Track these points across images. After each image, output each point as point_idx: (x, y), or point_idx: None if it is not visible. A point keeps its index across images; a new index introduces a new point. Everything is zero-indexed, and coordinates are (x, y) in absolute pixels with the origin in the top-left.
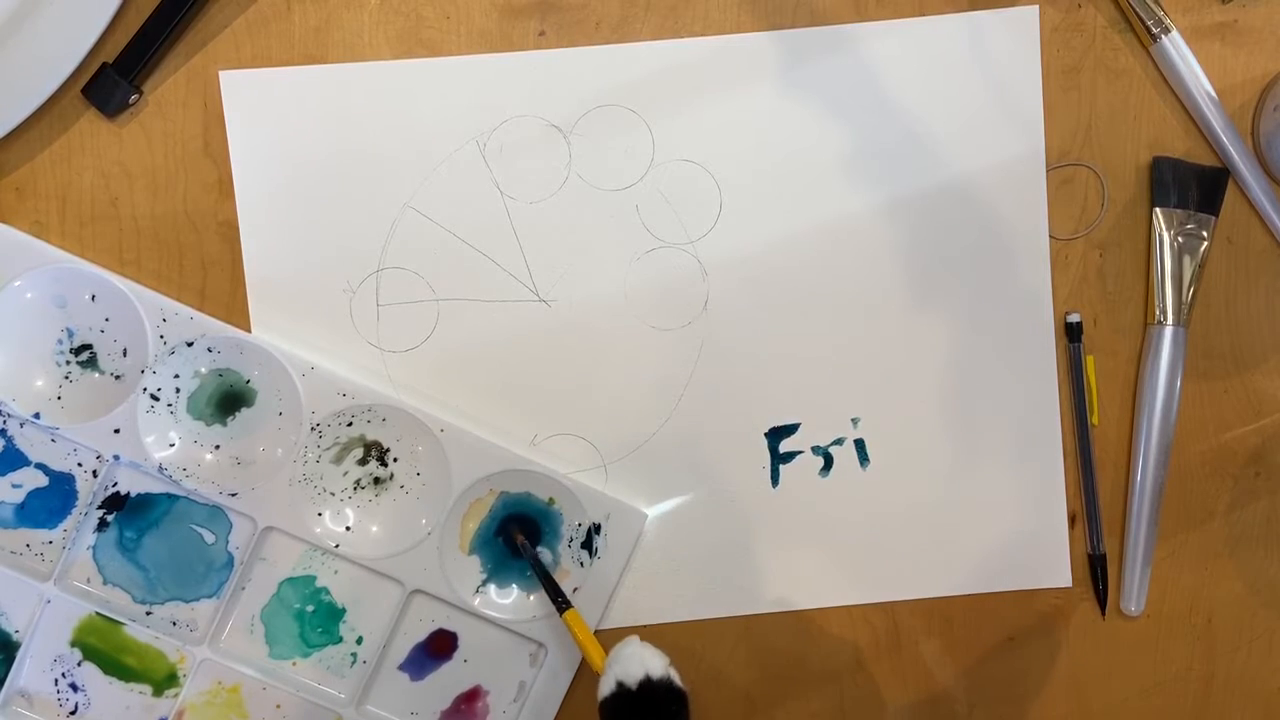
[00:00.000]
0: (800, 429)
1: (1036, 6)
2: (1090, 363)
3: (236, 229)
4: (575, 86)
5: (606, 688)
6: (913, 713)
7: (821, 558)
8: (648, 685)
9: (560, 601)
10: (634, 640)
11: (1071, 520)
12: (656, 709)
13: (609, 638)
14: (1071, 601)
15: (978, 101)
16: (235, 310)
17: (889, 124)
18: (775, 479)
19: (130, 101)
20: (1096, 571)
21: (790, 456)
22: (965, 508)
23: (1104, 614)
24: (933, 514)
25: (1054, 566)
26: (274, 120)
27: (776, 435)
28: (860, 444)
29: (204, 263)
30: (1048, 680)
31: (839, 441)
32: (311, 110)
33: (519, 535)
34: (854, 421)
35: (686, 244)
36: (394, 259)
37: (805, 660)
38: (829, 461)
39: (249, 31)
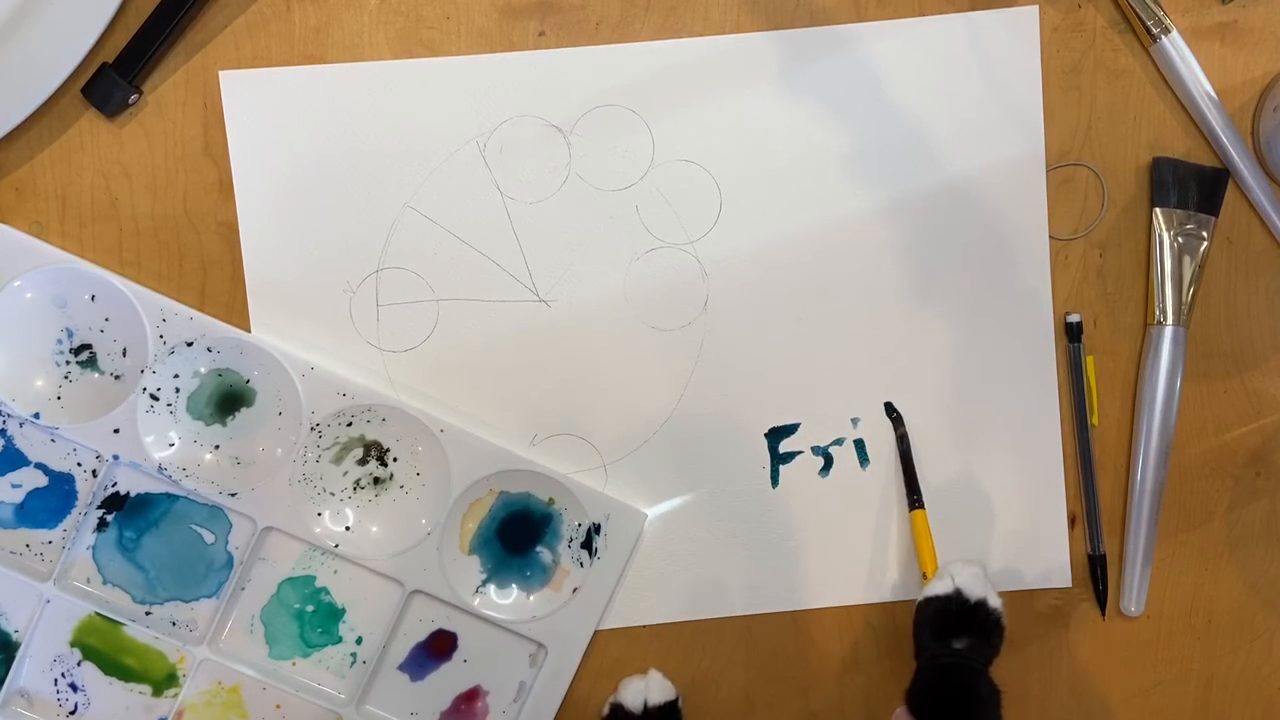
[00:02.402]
0: (800, 429)
1: (1036, 6)
2: (1090, 363)
3: (236, 229)
4: (575, 86)
5: (941, 588)
6: None
7: (821, 558)
8: (982, 606)
9: (914, 499)
10: (980, 565)
11: (1071, 521)
12: (979, 625)
13: (610, 638)
14: (1071, 601)
15: (978, 102)
16: (235, 310)
17: (889, 124)
18: (775, 479)
19: (130, 101)
20: (1096, 572)
21: (790, 456)
22: (965, 508)
23: (1104, 614)
24: (932, 514)
25: (1054, 567)
26: (274, 120)
27: (776, 435)
28: (860, 444)
29: (204, 263)
30: (1048, 680)
31: (839, 442)
32: (311, 110)
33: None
34: (854, 421)
35: (686, 244)
36: (394, 259)
37: (805, 660)
38: (829, 461)
39: (249, 31)
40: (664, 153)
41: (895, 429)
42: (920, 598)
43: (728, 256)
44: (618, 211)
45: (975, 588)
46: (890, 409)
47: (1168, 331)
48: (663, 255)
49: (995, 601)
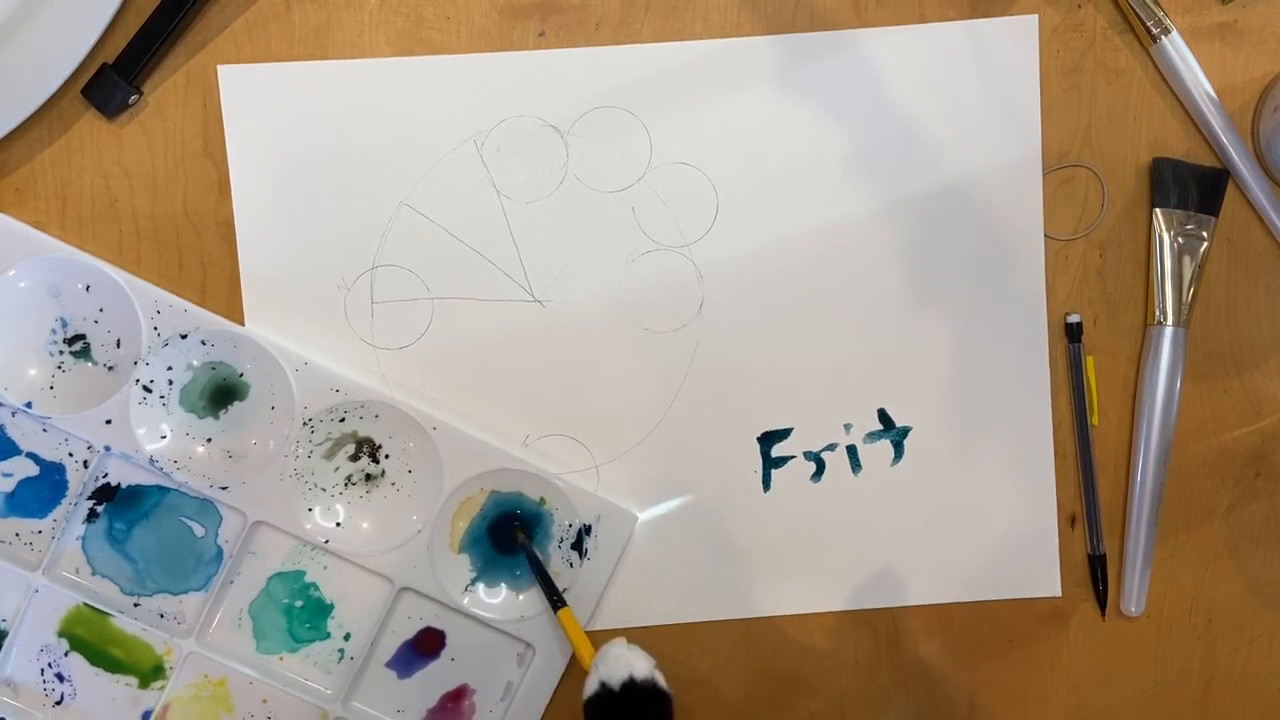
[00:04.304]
0: (793, 434)
1: (1036, 16)
2: (1090, 363)
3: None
4: (574, 87)
5: (590, 688)
6: (913, 715)
7: (813, 564)
8: (631, 686)
9: (555, 599)
10: (620, 642)
11: (1072, 521)
12: (639, 710)
13: (599, 639)
14: (1071, 602)
15: (975, 108)
16: (234, 310)
17: (887, 128)
18: (767, 483)
19: (130, 102)
20: (1096, 572)
21: (782, 461)
22: (957, 515)
23: (1104, 615)
24: (924, 521)
25: (1044, 576)
26: (271, 115)
27: (769, 440)
28: (853, 450)
29: (204, 263)
30: (1048, 681)
31: (831, 447)
32: (309, 106)
33: (520, 533)
34: (846, 427)
35: (682, 246)
36: (389, 256)
37: (803, 662)
38: (821, 467)
39: (249, 32)
40: (661, 155)
41: (520, 536)
42: (583, 699)
43: (723, 260)
44: (614, 213)
45: (616, 672)
46: (523, 539)
47: (1168, 332)
48: (658, 257)
49: (643, 673)
